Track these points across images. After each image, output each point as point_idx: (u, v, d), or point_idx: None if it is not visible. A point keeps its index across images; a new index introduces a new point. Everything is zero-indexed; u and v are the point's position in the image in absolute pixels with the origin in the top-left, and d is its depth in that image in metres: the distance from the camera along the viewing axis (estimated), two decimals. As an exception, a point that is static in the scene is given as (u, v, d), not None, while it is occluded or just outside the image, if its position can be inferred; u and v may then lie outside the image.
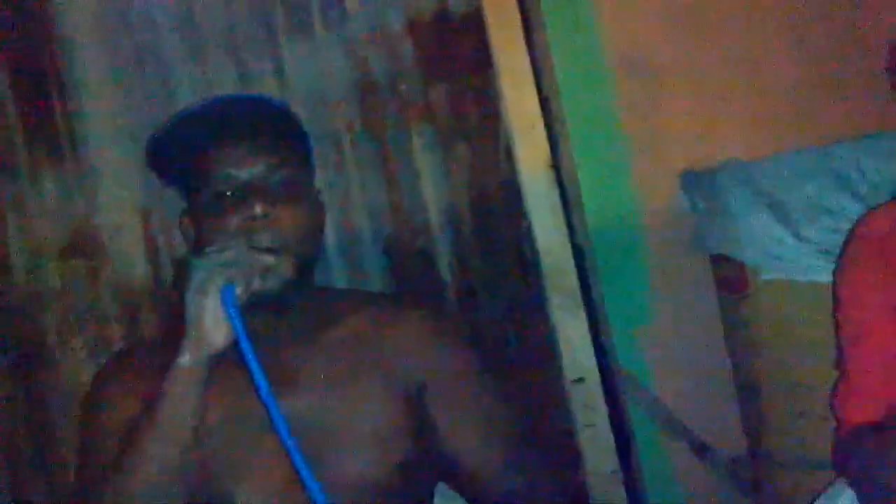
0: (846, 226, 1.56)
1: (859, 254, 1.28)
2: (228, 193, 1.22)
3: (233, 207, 1.21)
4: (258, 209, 1.19)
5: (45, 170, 1.83)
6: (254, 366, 1.10)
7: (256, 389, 1.10)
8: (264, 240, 1.19)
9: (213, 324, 1.12)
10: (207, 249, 1.16)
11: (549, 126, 2.01)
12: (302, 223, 1.24)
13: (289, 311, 1.27)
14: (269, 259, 1.18)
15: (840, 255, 1.31)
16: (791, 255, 1.65)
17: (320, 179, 1.88)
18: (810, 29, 2.13)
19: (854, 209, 1.57)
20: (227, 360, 1.17)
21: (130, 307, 1.85)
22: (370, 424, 1.25)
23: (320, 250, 1.31)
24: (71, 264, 1.85)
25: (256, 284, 1.16)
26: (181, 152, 1.27)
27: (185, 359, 1.14)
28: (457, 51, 1.96)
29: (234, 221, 1.20)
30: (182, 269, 1.15)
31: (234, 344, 1.13)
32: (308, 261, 1.26)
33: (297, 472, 1.08)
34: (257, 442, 1.22)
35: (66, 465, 1.84)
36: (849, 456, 1.30)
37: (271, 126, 1.29)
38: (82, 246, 1.85)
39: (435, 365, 1.30)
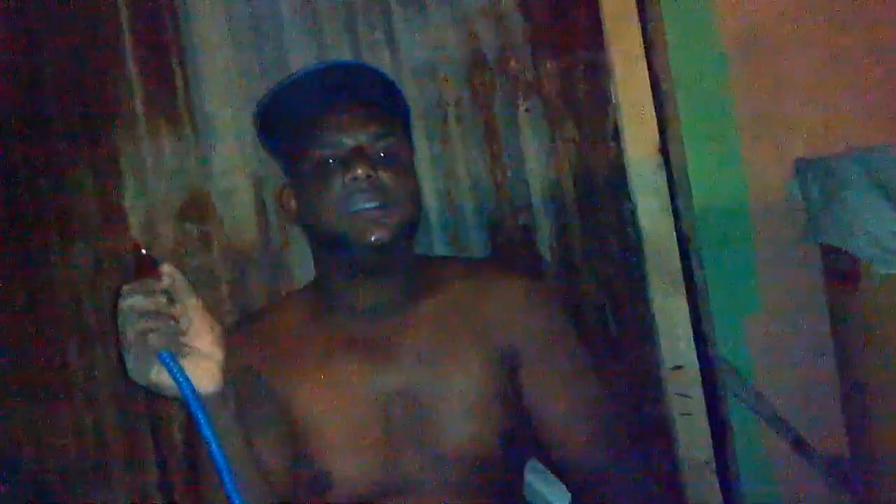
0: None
1: None
2: (332, 160, 1.25)
3: (337, 171, 1.23)
4: (361, 171, 1.21)
5: (163, 132, 1.89)
6: (207, 433, 1.05)
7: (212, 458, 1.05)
8: (368, 199, 1.22)
9: (168, 391, 1.08)
10: (119, 317, 1.06)
11: (659, 108, 1.97)
12: (402, 189, 1.25)
13: (389, 277, 1.28)
14: (376, 212, 1.21)
15: None
16: (909, 249, 1.58)
17: (425, 151, 1.91)
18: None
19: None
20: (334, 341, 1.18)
21: (240, 271, 1.90)
22: (468, 396, 1.25)
23: (418, 220, 1.32)
24: (184, 227, 1.91)
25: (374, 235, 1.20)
26: (288, 118, 1.30)
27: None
28: (569, 27, 1.94)
29: (337, 185, 1.22)
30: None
31: None
32: (407, 227, 1.27)
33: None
34: (355, 420, 1.24)
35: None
36: None
37: (377, 95, 1.31)
38: (196, 209, 1.90)
39: (530, 332, 1.30)
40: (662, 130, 1.96)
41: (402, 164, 1.28)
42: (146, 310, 1.04)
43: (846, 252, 1.73)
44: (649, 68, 1.94)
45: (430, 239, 1.89)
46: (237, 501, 1.04)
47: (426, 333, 1.28)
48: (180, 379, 1.05)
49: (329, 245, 1.27)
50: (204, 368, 1.08)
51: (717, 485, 2.00)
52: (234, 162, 1.89)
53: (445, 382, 1.25)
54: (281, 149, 1.37)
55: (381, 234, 1.22)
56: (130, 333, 1.04)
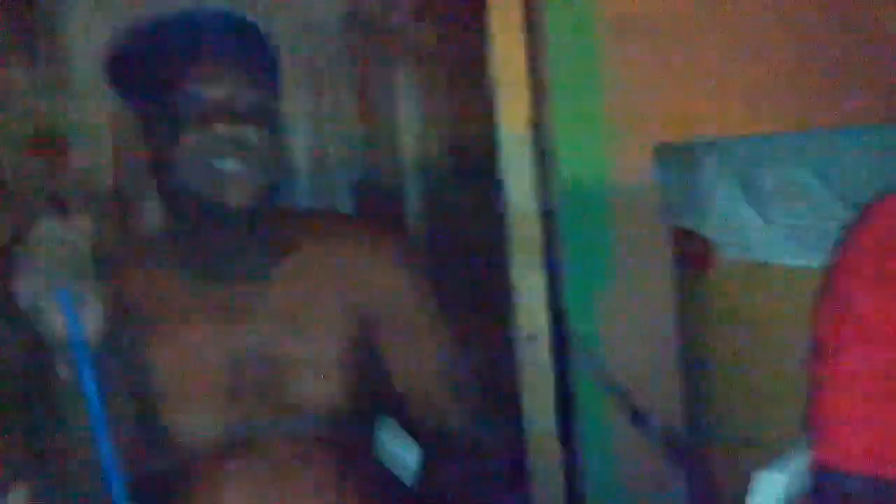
0: (817, 212, 1.59)
1: (868, 248, 1.20)
2: (193, 113, 1.18)
3: (197, 127, 1.17)
4: (222, 130, 1.16)
5: (13, 60, 1.78)
6: (88, 382, 1.04)
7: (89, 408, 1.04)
8: (228, 156, 1.16)
9: (59, 330, 1.06)
10: (21, 246, 1.06)
11: (533, 83, 2.00)
12: (266, 146, 1.20)
13: (248, 237, 1.24)
14: (238, 173, 1.16)
15: (842, 247, 1.22)
16: (758, 236, 1.66)
17: (296, 105, 1.87)
18: (809, 16, 2.14)
19: (828, 198, 1.58)
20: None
21: (92, 214, 1.81)
22: (322, 352, 1.24)
23: (281, 178, 1.28)
24: (33, 162, 1.80)
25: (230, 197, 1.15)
26: (144, 64, 1.22)
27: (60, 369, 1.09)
28: (450, -6, 1.94)
29: (196, 141, 1.16)
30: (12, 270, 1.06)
31: None
32: (271, 188, 1.23)
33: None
34: (202, 369, 1.21)
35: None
36: None
37: (241, 45, 1.24)
38: (48, 145, 1.80)
39: (389, 291, 1.30)
40: (534, 104, 2.00)
41: (270, 120, 1.23)
42: (66, 242, 1.03)
43: (698, 236, 1.80)
44: (527, 44, 1.96)
45: (295, 196, 1.86)
46: (109, 461, 1.02)
47: (282, 291, 1.26)
48: (72, 321, 1.03)
49: (184, 203, 1.21)
50: (90, 319, 1.05)
51: (561, 454, 2.07)
52: (90, 92, 1.79)
53: (299, 339, 1.24)
54: (134, 96, 1.29)
55: (242, 197, 1.17)
56: (42, 258, 1.02)
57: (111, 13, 1.80)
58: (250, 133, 1.17)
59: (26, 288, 1.04)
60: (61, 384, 1.08)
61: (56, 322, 1.04)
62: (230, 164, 1.15)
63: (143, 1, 1.76)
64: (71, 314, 1.04)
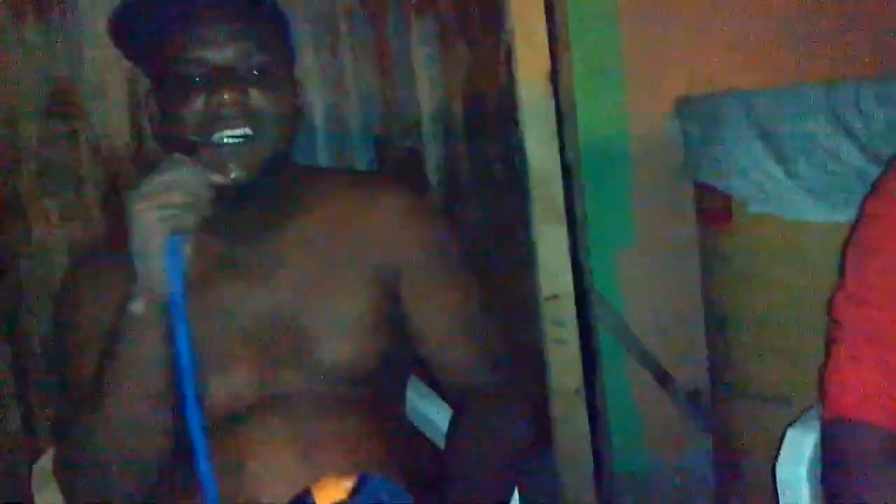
0: (839, 168, 1.55)
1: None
2: (197, 78, 1.16)
3: (201, 93, 1.14)
4: (227, 96, 1.13)
5: (28, 22, 1.76)
6: (181, 330, 1.04)
7: (178, 356, 1.04)
8: (234, 126, 1.14)
9: (160, 275, 1.06)
10: (145, 185, 1.06)
11: (551, 36, 1.96)
12: (275, 112, 1.17)
13: (263, 200, 1.23)
14: (240, 147, 1.14)
15: (870, 199, 1.16)
16: (780, 190, 1.63)
17: (313, 63, 1.85)
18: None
19: (850, 152, 1.55)
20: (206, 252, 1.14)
21: (109, 173, 1.81)
22: (345, 314, 1.22)
23: (294, 140, 1.26)
24: (50, 124, 1.80)
25: (226, 177, 1.13)
26: (147, 29, 1.19)
27: (137, 306, 1.08)
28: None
29: (200, 107, 1.14)
30: (126, 207, 1.06)
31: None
32: (280, 151, 1.21)
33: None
34: (228, 333, 1.20)
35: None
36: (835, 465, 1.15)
37: (247, 7, 1.22)
38: (63, 106, 1.79)
39: (411, 249, 1.27)
40: (553, 59, 1.96)
41: (277, 83, 1.21)
42: (190, 191, 1.05)
43: (720, 191, 1.78)
44: (545, -1, 1.93)
45: (312, 148, 1.84)
46: (195, 411, 1.03)
47: (302, 253, 1.24)
48: (177, 270, 1.04)
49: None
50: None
51: (585, 412, 2.07)
52: (106, 58, 1.78)
53: (321, 301, 1.22)
54: (141, 58, 1.27)
55: (243, 170, 1.15)
56: (165, 202, 1.04)
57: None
58: (257, 97, 1.15)
59: (142, 230, 1.04)
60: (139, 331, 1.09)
61: (160, 268, 1.04)
62: (234, 135, 1.13)
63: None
64: (177, 263, 1.04)
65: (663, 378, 2.19)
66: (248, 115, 1.13)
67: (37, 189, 1.81)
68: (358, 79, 1.88)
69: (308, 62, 1.81)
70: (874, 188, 1.16)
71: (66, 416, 1.22)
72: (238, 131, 1.12)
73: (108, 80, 1.79)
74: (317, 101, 1.84)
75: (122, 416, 1.10)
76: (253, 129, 1.13)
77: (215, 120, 1.12)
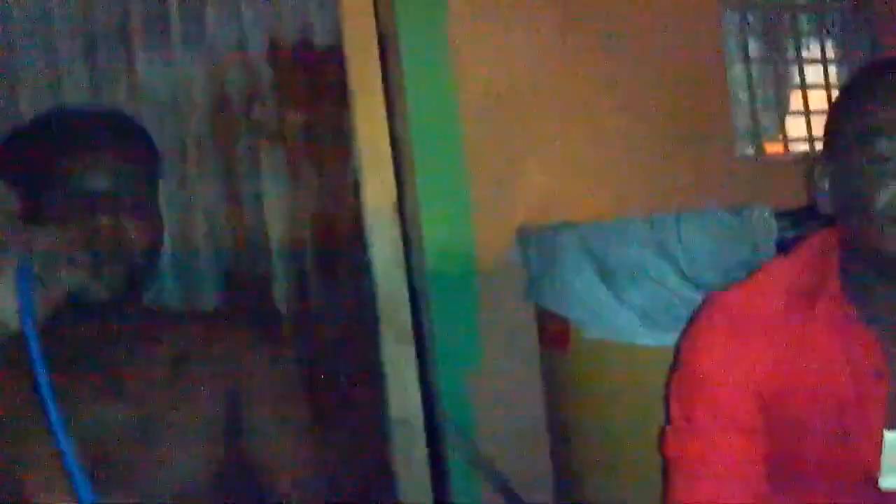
0: (664, 292, 1.67)
1: (713, 329, 1.19)
2: (74, 202, 1.20)
3: (77, 217, 1.18)
4: (104, 221, 1.17)
5: None
6: (35, 351, 1.03)
7: (35, 380, 1.03)
8: (105, 250, 1.17)
9: (8, 304, 1.06)
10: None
11: (397, 165, 2.05)
12: (144, 238, 1.22)
13: (116, 319, 1.25)
14: (103, 267, 1.16)
15: (690, 327, 1.24)
16: (613, 316, 1.74)
17: (162, 192, 1.85)
18: (651, 108, 2.28)
19: (673, 277, 1.67)
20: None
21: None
22: (190, 431, 1.24)
23: (155, 265, 1.29)
24: None
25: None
26: (27, 159, 1.23)
27: None
28: (315, 81, 1.97)
29: (75, 230, 1.17)
30: None
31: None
32: (141, 273, 1.24)
33: (71, 475, 1.03)
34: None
35: None
36: None
37: (121, 140, 1.27)
38: None
39: (250, 378, 1.32)
40: (399, 187, 2.04)
41: (147, 210, 1.26)
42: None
43: (559, 316, 1.87)
44: (390, 129, 2.02)
45: (161, 281, 1.83)
46: (65, 444, 1.00)
47: (152, 372, 1.26)
48: (27, 295, 1.03)
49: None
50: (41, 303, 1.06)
51: (436, 532, 2.08)
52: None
53: (166, 421, 1.24)
54: (17, 183, 1.28)
55: (106, 290, 1.18)
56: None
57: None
58: (129, 226, 1.19)
59: None
60: None
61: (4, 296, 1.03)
62: (105, 254, 1.16)
63: (12, 92, 1.75)
64: (27, 287, 1.03)
65: (512, 498, 2.22)
66: (118, 240, 1.16)
67: None
68: (207, 207, 1.89)
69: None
70: (687, 329, 1.23)
71: None
72: (108, 250, 1.16)
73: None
74: (165, 231, 1.83)
75: None
76: (121, 253, 1.16)
77: (88, 244, 1.15)
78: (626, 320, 1.72)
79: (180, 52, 1.88)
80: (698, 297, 1.37)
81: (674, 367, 1.24)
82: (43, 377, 1.03)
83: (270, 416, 1.33)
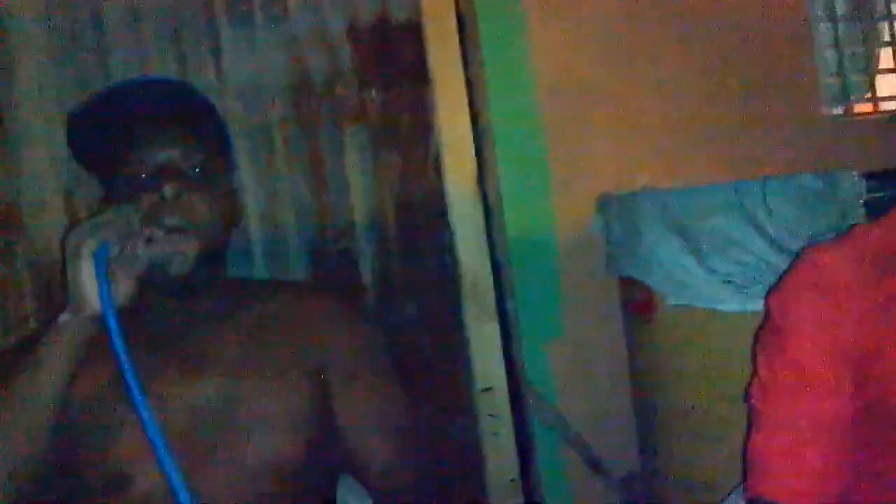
0: (751, 259, 1.65)
1: (803, 287, 1.20)
2: (142, 175, 1.23)
3: (145, 189, 1.22)
4: (168, 191, 1.20)
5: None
6: (113, 330, 1.08)
7: (119, 366, 1.08)
8: (172, 221, 1.21)
9: (89, 286, 1.12)
10: (80, 224, 1.16)
11: (477, 141, 2.06)
12: (212, 210, 1.25)
13: (197, 296, 1.28)
14: (175, 239, 1.20)
15: (780, 283, 1.25)
16: (697, 283, 1.72)
17: (249, 173, 1.90)
18: (730, 72, 2.24)
19: (759, 244, 1.65)
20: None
21: (46, 284, 1.82)
22: (276, 410, 1.26)
23: (228, 241, 1.32)
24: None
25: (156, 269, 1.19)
26: (97, 133, 1.27)
27: (64, 317, 1.14)
28: (394, 59, 2.00)
29: (145, 203, 1.21)
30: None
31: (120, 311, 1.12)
32: (215, 249, 1.27)
33: (164, 470, 1.05)
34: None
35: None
36: None
37: (188, 112, 1.30)
38: (2, 221, 1.81)
39: (339, 352, 1.33)
40: (480, 163, 2.05)
41: (215, 183, 1.28)
42: (118, 231, 1.15)
43: (642, 284, 1.86)
44: (470, 104, 2.03)
45: (250, 260, 1.88)
46: (148, 420, 1.05)
47: (235, 346, 1.28)
48: (104, 276, 1.09)
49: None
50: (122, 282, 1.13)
51: (522, 501, 2.10)
52: (44, 173, 1.82)
53: (253, 393, 1.26)
54: (93, 162, 1.34)
55: (181, 265, 1.21)
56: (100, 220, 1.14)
57: (59, 95, 1.82)
58: (196, 198, 1.22)
59: (73, 257, 1.10)
60: None
61: (88, 290, 1.10)
62: (175, 222, 1.20)
63: (100, 75, 1.81)
64: (103, 275, 1.09)
65: (597, 465, 2.23)
66: (184, 212, 1.20)
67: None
68: (292, 187, 1.94)
69: (244, 172, 1.87)
70: (777, 285, 1.25)
71: None
72: (175, 221, 1.19)
73: (47, 195, 1.82)
74: (252, 211, 1.89)
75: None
76: (188, 225, 1.20)
77: (155, 215, 1.19)
78: (711, 287, 1.70)
79: (262, 34, 1.92)
80: (784, 264, 1.36)
81: (763, 322, 1.24)
82: (123, 354, 1.07)
83: (359, 383, 1.34)
